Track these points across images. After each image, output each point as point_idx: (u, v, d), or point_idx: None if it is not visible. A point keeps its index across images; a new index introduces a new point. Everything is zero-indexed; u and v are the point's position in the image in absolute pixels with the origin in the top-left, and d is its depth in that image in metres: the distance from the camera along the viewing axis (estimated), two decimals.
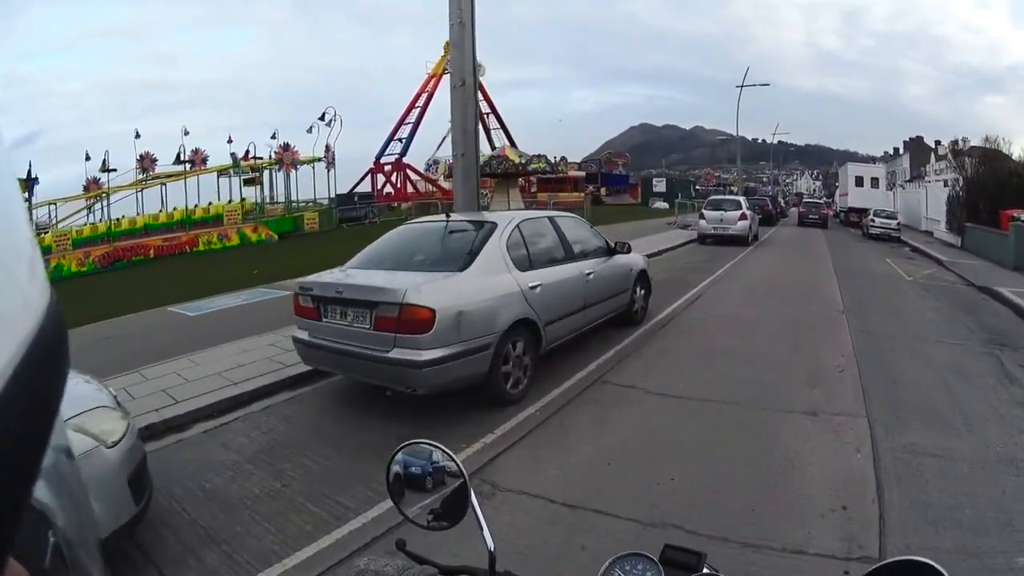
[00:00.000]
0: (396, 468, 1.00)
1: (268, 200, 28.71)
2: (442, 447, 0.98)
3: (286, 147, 27.96)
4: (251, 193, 27.49)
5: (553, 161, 28.28)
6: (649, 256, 9.68)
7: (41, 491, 0.30)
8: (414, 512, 0.99)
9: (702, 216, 17.26)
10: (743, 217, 16.46)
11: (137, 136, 23.61)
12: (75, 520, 0.37)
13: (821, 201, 36.15)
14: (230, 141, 26.44)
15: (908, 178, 41.93)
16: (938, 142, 68.80)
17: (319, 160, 29.33)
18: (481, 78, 45.93)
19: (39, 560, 0.32)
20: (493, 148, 50.85)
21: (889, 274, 11.78)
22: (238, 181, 26.75)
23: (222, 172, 26.11)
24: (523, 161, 26.54)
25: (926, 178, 32.77)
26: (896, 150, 74.14)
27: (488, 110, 49.07)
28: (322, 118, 30.33)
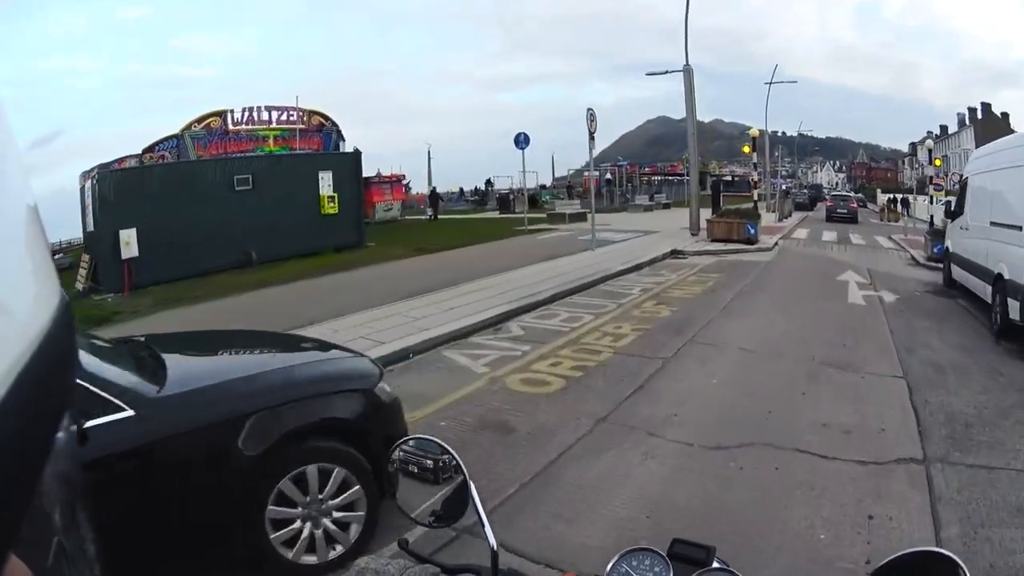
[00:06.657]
0: (396, 464, 0.97)
1: None
2: (443, 443, 0.96)
3: None
4: None
5: None
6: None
7: (45, 490, 0.30)
8: (416, 510, 0.97)
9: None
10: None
11: None
12: (77, 519, 0.37)
13: (850, 195, 35.71)
14: None
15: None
16: (1005, 114, 51.03)
17: None
18: None
19: (42, 559, 0.31)
20: None
21: None
22: None
23: None
24: None
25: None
26: (944, 129, 60.14)
27: None
28: None
